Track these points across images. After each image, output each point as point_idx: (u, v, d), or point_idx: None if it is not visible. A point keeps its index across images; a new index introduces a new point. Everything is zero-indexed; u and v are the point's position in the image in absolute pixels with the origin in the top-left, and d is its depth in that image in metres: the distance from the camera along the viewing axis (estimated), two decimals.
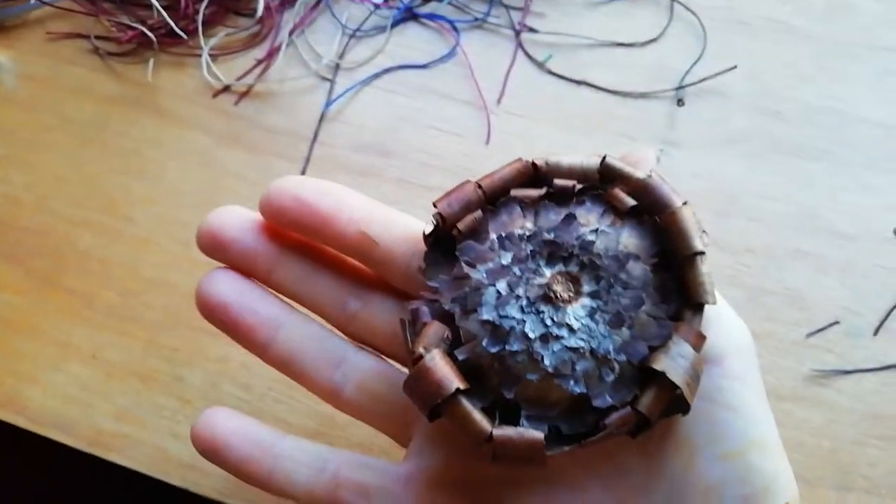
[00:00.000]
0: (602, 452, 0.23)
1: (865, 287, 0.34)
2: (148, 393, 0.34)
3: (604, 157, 0.22)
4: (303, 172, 0.38)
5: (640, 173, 0.22)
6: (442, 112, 0.39)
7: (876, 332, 0.34)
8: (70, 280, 0.37)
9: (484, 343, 0.21)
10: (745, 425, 0.22)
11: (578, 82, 0.39)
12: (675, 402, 0.21)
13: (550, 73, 0.40)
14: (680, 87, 0.39)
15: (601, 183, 0.23)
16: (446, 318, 0.22)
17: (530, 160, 0.23)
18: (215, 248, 0.25)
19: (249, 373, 0.34)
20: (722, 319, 0.22)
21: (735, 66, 0.39)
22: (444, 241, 0.23)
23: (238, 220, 0.25)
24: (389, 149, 0.38)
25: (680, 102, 0.38)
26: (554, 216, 0.22)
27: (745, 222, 0.36)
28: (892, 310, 0.34)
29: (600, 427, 0.21)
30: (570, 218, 0.22)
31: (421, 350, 0.22)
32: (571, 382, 0.21)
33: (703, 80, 0.39)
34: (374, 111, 0.40)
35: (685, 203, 0.22)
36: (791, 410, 0.32)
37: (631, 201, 0.22)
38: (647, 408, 0.20)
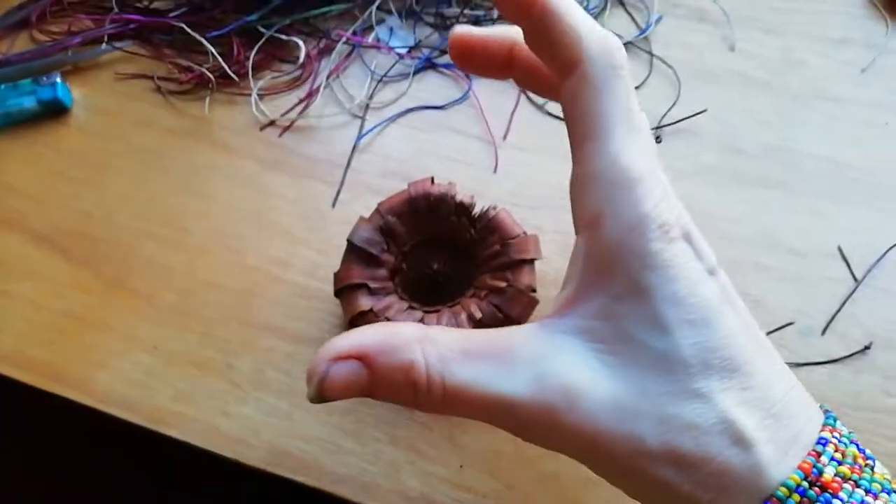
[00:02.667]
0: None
1: (815, 295, 0.38)
2: (202, 378, 0.38)
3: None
4: (337, 195, 0.43)
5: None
6: (456, 145, 0.45)
7: (823, 332, 0.37)
8: (135, 282, 0.41)
9: None
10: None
11: None
12: None
13: (549, 114, 0.45)
14: (658, 127, 0.43)
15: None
16: None
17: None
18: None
19: (291, 360, 0.38)
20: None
21: (705, 110, 0.43)
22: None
23: None
24: (412, 176, 0.42)
25: (658, 139, 0.43)
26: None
27: (715, 240, 0.38)
28: (836, 313, 0.37)
29: None
30: None
31: None
32: None
33: (678, 121, 0.43)
34: (399, 144, 0.45)
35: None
36: None
37: None
38: None
